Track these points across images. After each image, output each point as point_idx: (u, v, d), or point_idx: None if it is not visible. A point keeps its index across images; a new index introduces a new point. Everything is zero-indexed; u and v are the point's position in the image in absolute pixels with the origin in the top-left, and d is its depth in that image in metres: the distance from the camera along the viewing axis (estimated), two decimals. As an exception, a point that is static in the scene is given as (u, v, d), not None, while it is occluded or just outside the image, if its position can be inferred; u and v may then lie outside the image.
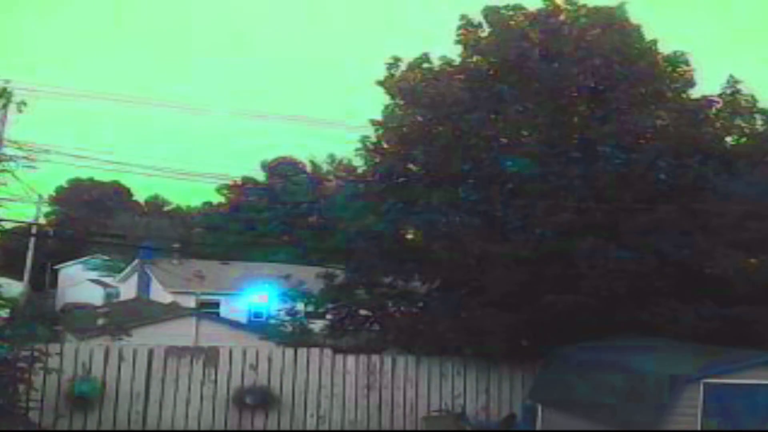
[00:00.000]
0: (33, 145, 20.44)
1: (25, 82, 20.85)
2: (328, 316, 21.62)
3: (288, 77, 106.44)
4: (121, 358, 17.50)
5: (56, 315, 37.07)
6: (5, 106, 22.28)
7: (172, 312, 30.14)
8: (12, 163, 19.70)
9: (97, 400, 17.04)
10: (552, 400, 17.54)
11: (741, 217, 17.89)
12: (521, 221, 18.55)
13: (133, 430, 17.28)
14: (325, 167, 61.87)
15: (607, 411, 15.44)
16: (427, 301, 20.48)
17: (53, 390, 16.60)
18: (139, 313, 29.23)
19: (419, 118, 20.55)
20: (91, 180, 70.98)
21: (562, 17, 20.94)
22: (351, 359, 18.93)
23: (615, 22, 20.61)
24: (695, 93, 20.75)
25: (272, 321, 26.05)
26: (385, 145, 20.97)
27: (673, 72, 20.72)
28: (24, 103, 20.51)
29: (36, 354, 15.73)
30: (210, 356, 18.09)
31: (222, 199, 65.07)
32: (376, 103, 21.20)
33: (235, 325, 30.49)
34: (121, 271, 50.19)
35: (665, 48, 20.79)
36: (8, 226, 23.03)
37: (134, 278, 42.64)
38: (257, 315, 37.78)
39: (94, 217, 63.58)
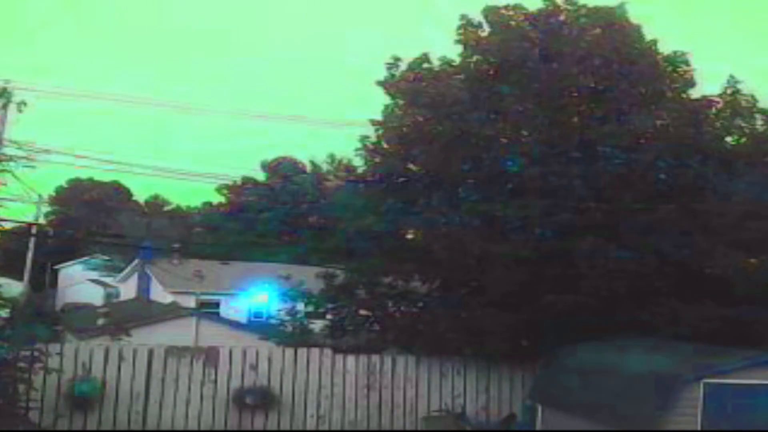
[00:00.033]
0: (33, 145, 20.44)
1: (25, 82, 20.92)
2: (328, 316, 21.61)
3: (288, 77, 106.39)
4: (121, 358, 17.51)
5: (56, 315, 37.06)
6: (5, 106, 22.31)
7: (172, 312, 30.15)
8: (12, 163, 19.72)
9: (97, 400, 17.06)
10: (552, 400, 17.54)
11: (741, 217, 17.89)
12: (521, 221, 18.54)
13: (133, 430, 17.29)
14: (325, 167, 61.92)
15: (607, 411, 15.43)
16: (427, 301, 20.49)
17: (53, 390, 16.61)
18: (139, 313, 29.21)
19: (419, 118, 20.54)
20: (91, 180, 70.88)
21: (562, 17, 20.93)
22: (351, 359, 18.94)
23: (615, 22, 20.60)
24: (695, 93, 20.76)
25: (272, 321, 26.01)
26: (385, 145, 20.97)
27: (673, 72, 20.72)
28: (24, 103, 20.59)
29: (36, 354, 15.73)
30: (210, 356, 18.10)
31: (222, 199, 65.07)
32: (376, 103, 21.25)
33: (235, 325, 30.53)
34: (121, 271, 50.19)
35: (665, 48, 20.81)
36: (8, 226, 23.09)
37: (134, 278, 42.60)
38: (257, 315, 37.77)
39: (94, 217, 63.54)
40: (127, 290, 44.98)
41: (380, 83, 20.96)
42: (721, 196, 18.34)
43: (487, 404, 19.45)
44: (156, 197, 77.52)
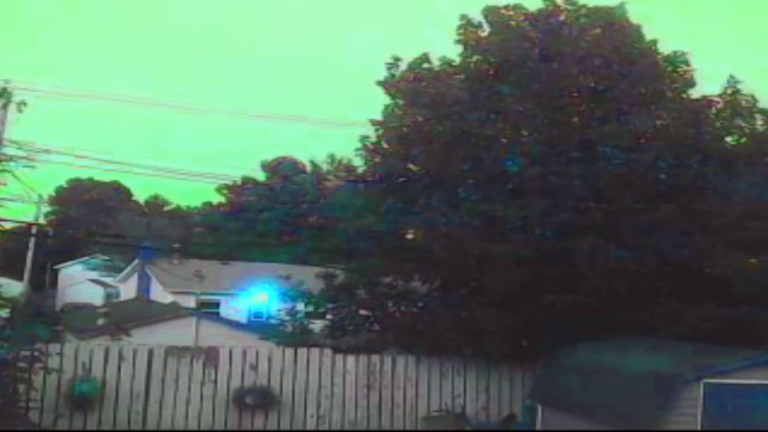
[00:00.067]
0: (33, 145, 20.44)
1: (25, 82, 20.92)
2: (328, 316, 21.60)
3: (288, 77, 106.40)
4: (121, 358, 17.51)
5: (56, 315, 37.02)
6: (5, 106, 22.31)
7: (172, 312, 30.16)
8: (12, 163, 19.72)
9: (97, 400, 17.06)
10: (552, 400, 17.54)
11: (741, 217, 17.89)
12: (521, 221, 18.54)
13: (133, 430, 17.29)
14: (325, 167, 61.93)
15: (607, 411, 15.43)
16: (427, 301, 20.49)
17: (53, 390, 16.61)
18: (139, 313, 29.22)
19: (419, 118, 20.54)
20: (91, 180, 70.86)
21: (562, 17, 20.93)
22: (351, 359, 18.94)
23: (615, 22, 20.60)
24: (695, 93, 20.76)
25: (272, 321, 26.01)
26: (385, 145, 20.97)
27: (673, 72, 20.71)
28: (24, 103, 20.58)
29: (36, 354, 15.73)
30: (210, 356, 18.09)
31: (222, 199, 65.08)
32: (376, 103, 21.25)
33: (235, 325, 30.53)
34: (121, 271, 50.18)
35: (665, 48, 20.81)
36: (8, 226, 23.07)
37: (134, 278, 42.61)
38: (257, 315, 37.78)
39: (94, 217, 63.53)
40: (127, 290, 44.99)
41: (380, 83, 20.97)
42: (721, 196, 18.34)
43: (487, 404, 19.45)
44: (156, 197, 77.51)
